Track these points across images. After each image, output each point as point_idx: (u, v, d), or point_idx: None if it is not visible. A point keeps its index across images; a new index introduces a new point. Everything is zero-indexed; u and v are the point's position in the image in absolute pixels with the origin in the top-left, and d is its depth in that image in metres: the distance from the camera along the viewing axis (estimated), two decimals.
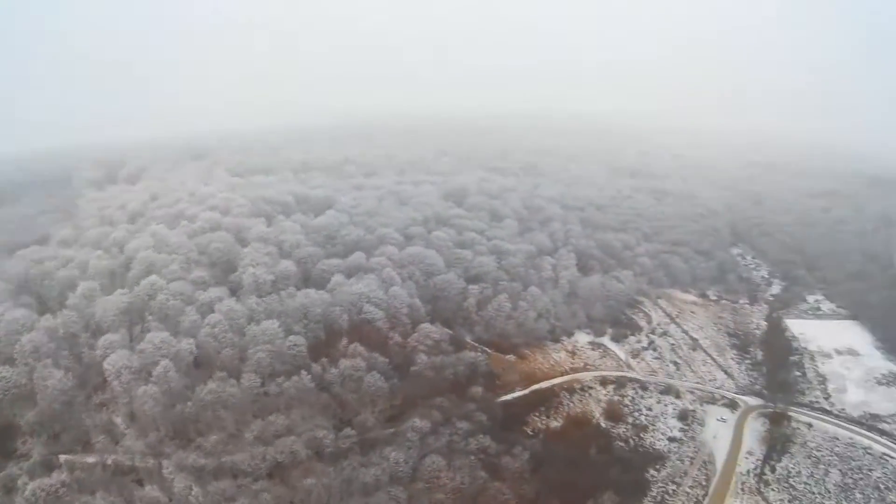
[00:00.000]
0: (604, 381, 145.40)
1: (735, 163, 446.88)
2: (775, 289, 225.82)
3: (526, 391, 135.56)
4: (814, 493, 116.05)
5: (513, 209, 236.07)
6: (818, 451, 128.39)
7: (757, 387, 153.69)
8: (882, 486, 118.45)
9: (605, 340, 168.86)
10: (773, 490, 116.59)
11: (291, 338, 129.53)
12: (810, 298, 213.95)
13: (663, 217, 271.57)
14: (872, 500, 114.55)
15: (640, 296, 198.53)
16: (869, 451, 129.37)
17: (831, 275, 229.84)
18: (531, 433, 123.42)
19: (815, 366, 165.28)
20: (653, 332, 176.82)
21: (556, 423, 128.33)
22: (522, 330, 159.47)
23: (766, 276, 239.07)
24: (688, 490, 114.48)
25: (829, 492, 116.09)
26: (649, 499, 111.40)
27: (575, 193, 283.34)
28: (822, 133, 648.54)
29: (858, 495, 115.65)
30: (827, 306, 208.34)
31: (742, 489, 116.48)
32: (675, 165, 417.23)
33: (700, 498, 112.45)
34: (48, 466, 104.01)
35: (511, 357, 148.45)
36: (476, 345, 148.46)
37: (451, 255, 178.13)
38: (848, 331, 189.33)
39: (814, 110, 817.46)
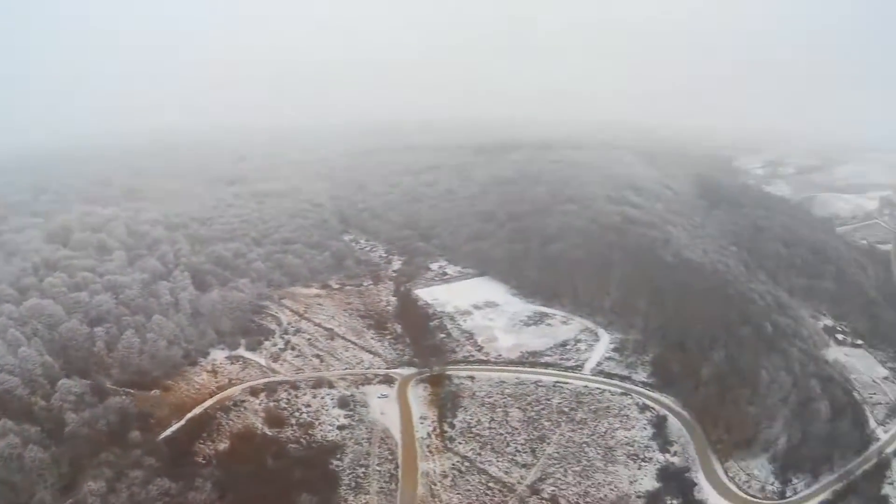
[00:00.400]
0: (254, 392, 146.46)
1: (333, 152, 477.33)
2: (396, 265, 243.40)
3: (182, 422, 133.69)
4: (501, 434, 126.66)
5: (119, 240, 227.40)
6: (489, 397, 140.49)
7: (406, 357, 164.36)
8: (566, 409, 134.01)
9: (242, 352, 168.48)
10: (460, 444, 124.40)
11: None
12: (434, 266, 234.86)
13: (269, 218, 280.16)
14: (563, 423, 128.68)
15: (262, 300, 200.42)
16: (540, 384, 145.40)
17: (449, 241, 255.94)
18: (203, 461, 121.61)
19: (458, 324, 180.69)
20: (286, 333, 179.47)
21: (223, 445, 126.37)
22: (157, 361, 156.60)
23: (385, 255, 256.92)
24: (378, 468, 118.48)
25: (516, 428, 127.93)
26: (345, 487, 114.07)
27: (176, 211, 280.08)
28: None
29: (546, 423, 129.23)
30: (453, 269, 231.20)
31: (430, 451, 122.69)
32: (271, 165, 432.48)
33: (393, 471, 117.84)
34: None
35: (156, 392, 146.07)
36: (118, 388, 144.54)
37: (69, 300, 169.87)
38: (481, 287, 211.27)
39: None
